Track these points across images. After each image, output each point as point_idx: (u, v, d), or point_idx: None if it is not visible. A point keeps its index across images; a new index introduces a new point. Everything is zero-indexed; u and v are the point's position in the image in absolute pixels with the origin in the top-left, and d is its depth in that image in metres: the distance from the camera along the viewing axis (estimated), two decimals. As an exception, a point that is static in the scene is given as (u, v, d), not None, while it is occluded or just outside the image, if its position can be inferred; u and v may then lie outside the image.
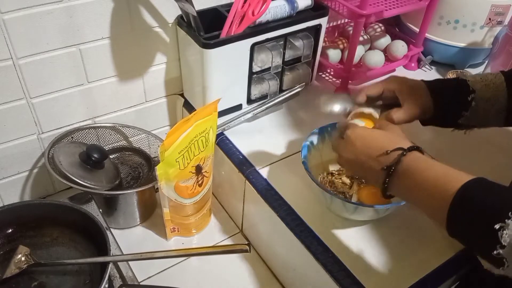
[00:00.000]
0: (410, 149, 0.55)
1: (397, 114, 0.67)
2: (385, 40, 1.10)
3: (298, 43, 0.92)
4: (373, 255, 0.69)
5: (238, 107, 0.93)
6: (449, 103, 0.68)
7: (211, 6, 0.89)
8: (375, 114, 0.69)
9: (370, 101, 0.69)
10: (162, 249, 0.83)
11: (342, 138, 0.62)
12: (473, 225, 0.46)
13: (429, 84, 0.69)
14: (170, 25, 0.87)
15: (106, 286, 0.66)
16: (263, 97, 0.96)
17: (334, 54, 1.05)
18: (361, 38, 1.06)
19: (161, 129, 1.03)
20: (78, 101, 0.86)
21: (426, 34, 1.10)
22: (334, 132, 0.80)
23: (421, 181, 0.52)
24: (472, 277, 0.70)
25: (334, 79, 1.08)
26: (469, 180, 0.48)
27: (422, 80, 0.70)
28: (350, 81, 1.04)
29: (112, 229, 0.83)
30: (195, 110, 0.87)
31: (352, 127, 0.61)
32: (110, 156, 0.93)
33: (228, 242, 0.90)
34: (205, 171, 0.82)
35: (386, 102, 0.70)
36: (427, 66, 1.15)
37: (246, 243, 0.71)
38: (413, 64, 1.14)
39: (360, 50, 1.05)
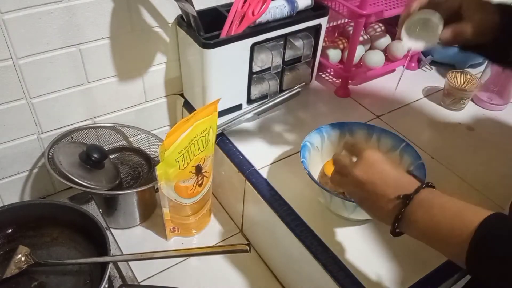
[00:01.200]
0: (428, 184, 0.52)
1: (466, 28, 0.60)
2: (385, 40, 1.10)
3: (298, 43, 0.92)
4: (373, 255, 0.69)
5: (238, 107, 0.93)
6: None
7: (211, 6, 0.89)
8: (439, 21, 0.61)
9: (431, 6, 0.62)
10: (162, 249, 0.83)
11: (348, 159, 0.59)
12: (498, 263, 0.44)
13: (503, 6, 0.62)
14: (170, 25, 0.87)
15: (106, 286, 0.66)
16: (263, 97, 0.96)
17: (334, 54, 1.05)
18: (361, 38, 1.06)
19: (161, 129, 1.03)
20: (78, 101, 0.86)
21: (426, 34, 1.09)
22: (333, 134, 0.79)
23: (438, 214, 0.49)
24: (474, 277, 0.70)
25: (334, 79, 1.08)
26: (488, 215, 0.46)
27: None
28: (350, 81, 1.04)
29: (112, 229, 0.83)
30: (195, 110, 0.87)
31: (371, 149, 0.57)
32: (110, 156, 0.93)
33: (228, 242, 0.90)
34: (205, 171, 0.81)
35: (444, 13, 0.63)
36: (427, 66, 1.15)
37: (246, 243, 0.71)
38: (413, 64, 1.14)
39: (360, 50, 1.05)
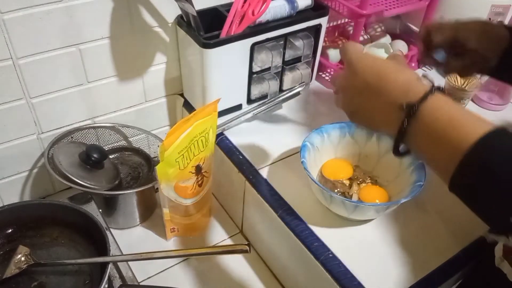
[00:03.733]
0: (435, 88, 0.44)
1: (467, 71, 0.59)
2: (385, 40, 1.10)
3: (298, 43, 0.92)
4: (373, 255, 0.69)
5: (238, 107, 0.93)
6: None
7: (211, 6, 0.89)
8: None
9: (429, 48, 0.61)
10: (162, 249, 0.83)
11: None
12: (491, 182, 0.39)
13: None
14: (170, 25, 0.87)
15: (106, 286, 0.66)
16: (263, 97, 0.95)
17: (334, 54, 1.05)
18: (361, 38, 1.06)
19: (161, 129, 1.03)
20: (78, 101, 0.86)
21: (426, 34, 1.09)
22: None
23: (445, 126, 0.42)
24: (475, 277, 0.70)
25: (334, 79, 1.08)
26: (492, 129, 0.40)
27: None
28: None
29: (112, 229, 0.83)
30: (195, 110, 0.87)
31: (356, 52, 0.50)
32: (110, 156, 0.93)
33: (228, 242, 0.90)
34: (205, 171, 0.81)
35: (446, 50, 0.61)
36: (427, 66, 1.15)
37: (246, 243, 0.71)
38: (413, 64, 1.14)
39: (360, 50, 1.05)
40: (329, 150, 0.80)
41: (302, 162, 0.72)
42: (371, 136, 0.79)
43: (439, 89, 0.45)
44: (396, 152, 0.47)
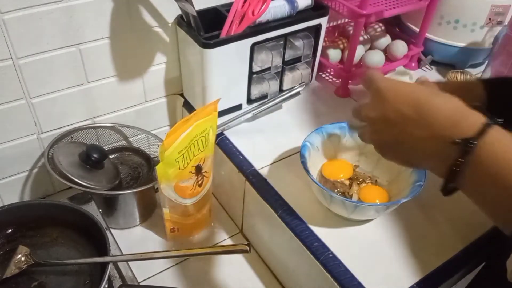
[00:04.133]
0: (494, 120, 0.38)
1: None
2: (385, 40, 1.10)
3: (298, 43, 0.92)
4: (373, 255, 0.69)
5: (238, 107, 0.93)
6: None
7: (211, 6, 0.89)
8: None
9: None
10: (162, 249, 0.83)
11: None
12: None
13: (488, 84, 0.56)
14: (170, 25, 0.87)
15: (106, 286, 0.66)
16: (263, 97, 0.95)
17: (334, 54, 1.05)
18: (361, 38, 1.06)
19: (161, 129, 1.03)
20: (78, 101, 0.86)
21: (426, 34, 1.09)
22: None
23: (510, 165, 0.36)
24: (485, 274, 0.69)
25: (334, 79, 1.08)
26: None
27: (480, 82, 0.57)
28: (350, 81, 1.04)
29: (112, 229, 0.83)
30: (195, 110, 0.87)
31: (383, 79, 0.44)
32: (110, 156, 0.93)
33: (228, 242, 0.90)
34: (205, 171, 0.81)
35: None
36: (427, 66, 1.15)
37: (246, 243, 0.71)
38: (413, 64, 1.14)
39: (360, 50, 1.05)
40: (329, 150, 0.80)
41: (302, 162, 0.72)
42: None
43: (495, 119, 0.39)
44: (446, 192, 0.41)
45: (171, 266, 0.84)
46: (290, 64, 0.95)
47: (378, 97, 0.44)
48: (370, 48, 1.10)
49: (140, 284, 0.78)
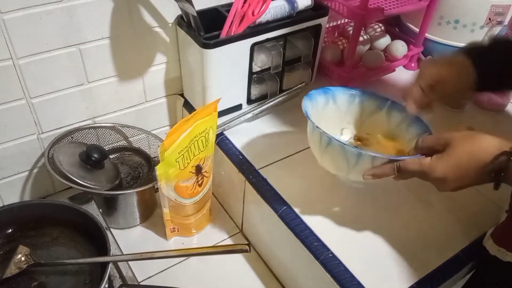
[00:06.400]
0: None
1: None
2: (385, 40, 1.10)
3: (298, 43, 0.92)
4: (373, 255, 0.69)
5: (238, 107, 0.93)
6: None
7: (211, 6, 0.89)
8: None
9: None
10: (162, 249, 0.83)
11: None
12: None
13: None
14: (170, 25, 0.87)
15: (106, 286, 0.66)
16: (263, 97, 0.96)
17: (334, 54, 1.05)
18: (361, 38, 1.06)
19: (161, 129, 1.03)
20: (78, 101, 0.86)
21: (426, 34, 1.10)
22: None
23: None
24: (484, 268, 0.70)
25: (334, 79, 1.08)
26: None
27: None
28: (350, 81, 1.04)
29: (112, 229, 0.83)
30: (195, 110, 0.87)
31: (433, 163, 0.58)
32: (110, 156, 0.93)
33: (228, 242, 0.90)
34: (205, 171, 0.82)
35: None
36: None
37: (246, 243, 0.71)
38: (413, 64, 1.14)
39: (360, 50, 1.05)
40: (334, 115, 0.77)
41: (304, 111, 0.68)
42: (379, 109, 0.77)
43: None
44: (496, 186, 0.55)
45: (171, 266, 0.84)
46: (290, 64, 0.95)
47: (439, 182, 0.58)
48: (370, 48, 1.10)
49: (140, 284, 0.78)
